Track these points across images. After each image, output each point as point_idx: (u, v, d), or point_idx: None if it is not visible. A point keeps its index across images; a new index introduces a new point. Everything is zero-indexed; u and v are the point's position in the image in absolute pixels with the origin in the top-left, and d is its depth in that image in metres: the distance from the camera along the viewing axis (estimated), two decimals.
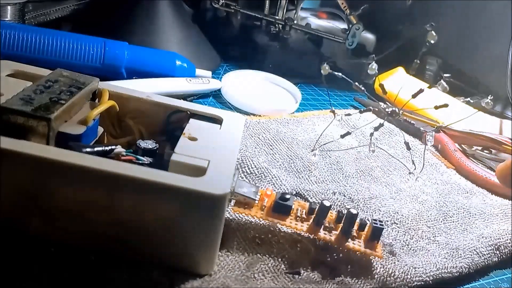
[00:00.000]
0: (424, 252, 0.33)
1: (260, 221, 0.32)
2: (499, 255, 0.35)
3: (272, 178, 0.36)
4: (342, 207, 0.36)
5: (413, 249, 0.33)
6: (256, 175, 0.36)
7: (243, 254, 0.29)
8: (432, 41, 0.35)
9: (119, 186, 0.24)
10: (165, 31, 0.55)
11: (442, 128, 0.41)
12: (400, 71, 0.61)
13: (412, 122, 0.51)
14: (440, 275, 0.32)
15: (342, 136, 0.39)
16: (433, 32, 0.35)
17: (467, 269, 0.33)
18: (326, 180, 0.39)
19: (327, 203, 0.30)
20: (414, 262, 0.32)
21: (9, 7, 0.51)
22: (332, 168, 0.41)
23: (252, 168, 0.37)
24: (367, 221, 0.31)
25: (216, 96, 0.53)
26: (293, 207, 0.31)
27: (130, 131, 0.33)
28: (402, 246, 0.33)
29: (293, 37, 0.66)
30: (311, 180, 0.38)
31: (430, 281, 0.31)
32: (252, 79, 0.58)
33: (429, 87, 0.36)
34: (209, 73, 0.54)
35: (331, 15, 0.77)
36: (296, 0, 0.68)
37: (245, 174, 0.36)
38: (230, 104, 0.52)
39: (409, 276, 0.30)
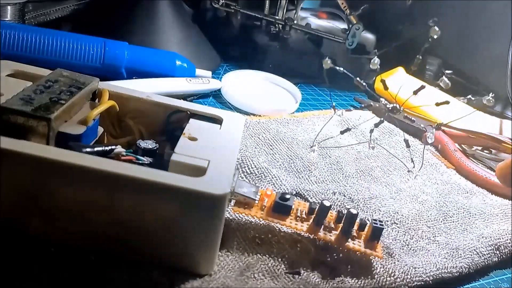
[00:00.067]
0: (424, 252, 0.33)
1: (260, 221, 0.32)
2: (499, 255, 0.35)
3: (272, 178, 0.37)
4: (342, 207, 0.36)
5: (413, 249, 0.33)
6: (256, 175, 0.36)
7: (243, 254, 0.29)
8: (435, 36, 0.35)
9: (119, 186, 0.24)
10: (165, 31, 0.55)
11: (442, 126, 0.41)
12: (400, 71, 0.61)
13: (412, 119, 0.51)
14: (440, 275, 0.32)
15: (342, 132, 0.39)
16: (436, 27, 0.35)
17: (467, 269, 0.33)
18: (326, 180, 0.39)
19: (327, 203, 0.30)
20: (414, 262, 0.32)
21: (9, 7, 0.51)
22: (332, 168, 0.41)
23: (252, 168, 0.37)
24: (367, 221, 0.31)
25: (216, 96, 0.53)
26: (293, 207, 0.31)
27: (130, 131, 0.33)
28: (402, 246, 0.33)
29: (293, 37, 0.66)
30: (311, 180, 0.38)
31: (430, 281, 0.31)
32: (252, 79, 0.58)
33: (431, 84, 0.36)
34: (209, 73, 0.54)
35: (331, 15, 0.77)
36: (296, 0, 0.68)
37: (245, 174, 0.36)
38: (230, 104, 0.52)
39: (409, 276, 0.30)
